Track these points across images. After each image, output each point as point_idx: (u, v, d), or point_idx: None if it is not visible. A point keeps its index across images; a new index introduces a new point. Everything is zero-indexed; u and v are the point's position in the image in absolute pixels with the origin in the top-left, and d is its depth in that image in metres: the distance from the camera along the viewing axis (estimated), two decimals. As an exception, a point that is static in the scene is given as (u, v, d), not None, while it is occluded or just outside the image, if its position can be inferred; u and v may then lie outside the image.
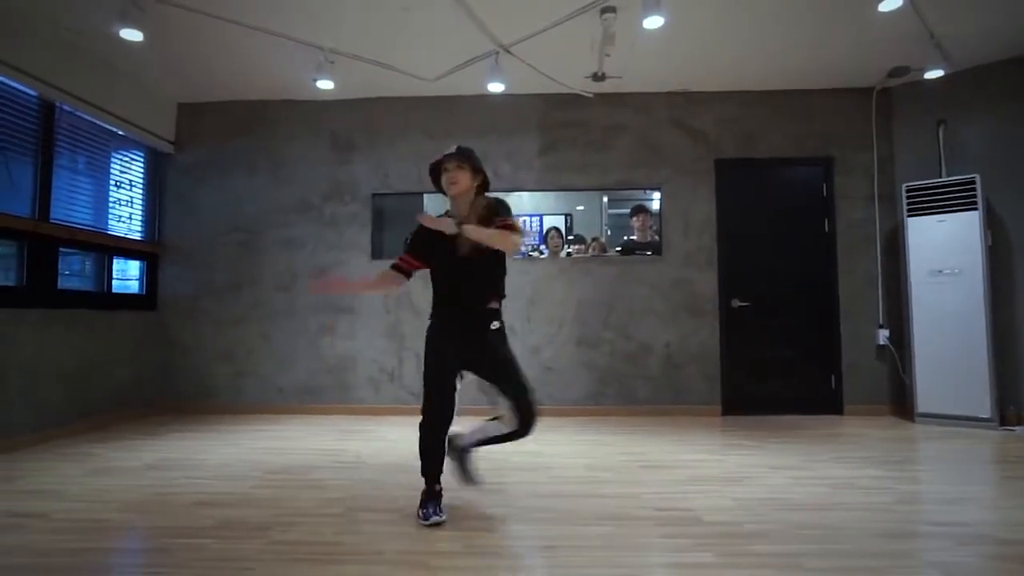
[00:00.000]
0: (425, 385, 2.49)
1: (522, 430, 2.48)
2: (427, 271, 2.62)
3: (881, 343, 4.86)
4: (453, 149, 2.49)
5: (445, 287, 2.55)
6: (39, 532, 2.31)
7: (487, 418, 2.64)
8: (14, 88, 3.83)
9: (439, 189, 2.56)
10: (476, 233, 2.35)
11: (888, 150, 4.99)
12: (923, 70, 4.33)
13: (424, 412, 2.47)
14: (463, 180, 2.47)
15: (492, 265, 2.51)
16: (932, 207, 4.48)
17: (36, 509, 2.58)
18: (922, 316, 4.50)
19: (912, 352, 4.55)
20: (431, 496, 2.45)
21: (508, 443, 2.55)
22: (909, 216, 4.58)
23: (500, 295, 2.55)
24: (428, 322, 2.58)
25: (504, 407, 2.51)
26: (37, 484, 2.98)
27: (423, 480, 2.49)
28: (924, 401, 4.46)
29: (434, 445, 2.47)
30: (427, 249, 2.54)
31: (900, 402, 4.79)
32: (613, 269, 5.06)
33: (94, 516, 2.50)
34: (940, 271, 4.43)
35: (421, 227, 2.51)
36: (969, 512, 2.50)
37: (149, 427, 4.47)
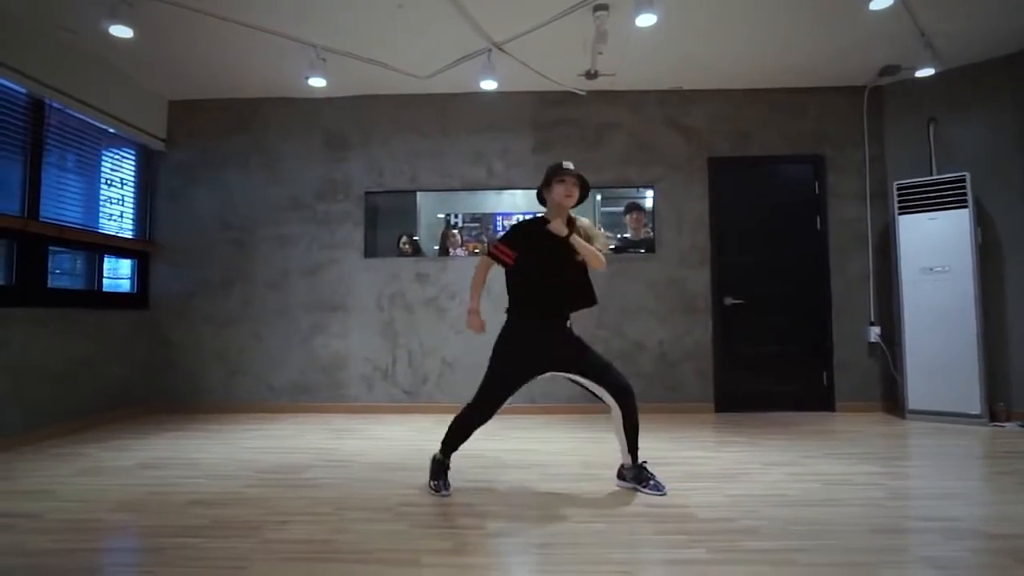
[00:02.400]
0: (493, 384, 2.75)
1: (626, 400, 2.79)
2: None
3: (872, 340, 4.89)
4: (571, 166, 2.75)
5: (544, 290, 2.75)
6: (31, 532, 2.30)
7: (613, 425, 2.84)
8: (2, 85, 3.79)
9: (543, 194, 2.83)
10: (582, 247, 2.69)
11: (879, 148, 5.01)
12: (914, 68, 4.35)
13: (479, 405, 2.75)
14: (575, 195, 2.75)
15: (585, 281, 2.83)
16: (923, 205, 4.51)
17: (28, 509, 2.56)
18: (913, 313, 4.53)
19: (903, 349, 4.58)
20: (445, 470, 2.81)
21: (634, 423, 2.80)
22: (900, 214, 4.61)
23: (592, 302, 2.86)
24: (512, 322, 2.78)
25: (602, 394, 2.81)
26: (28, 484, 2.96)
27: (441, 453, 2.82)
28: (915, 398, 4.49)
29: (470, 433, 2.80)
30: (527, 248, 2.74)
31: (891, 399, 4.83)
32: (607, 267, 5.06)
33: (86, 516, 2.49)
34: (931, 269, 4.46)
35: (521, 227, 2.82)
36: (959, 507, 2.52)
37: (141, 426, 4.44)
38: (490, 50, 4.23)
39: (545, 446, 3.71)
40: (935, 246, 4.45)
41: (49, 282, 4.21)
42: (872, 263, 4.96)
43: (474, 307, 2.81)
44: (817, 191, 5.06)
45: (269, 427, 4.41)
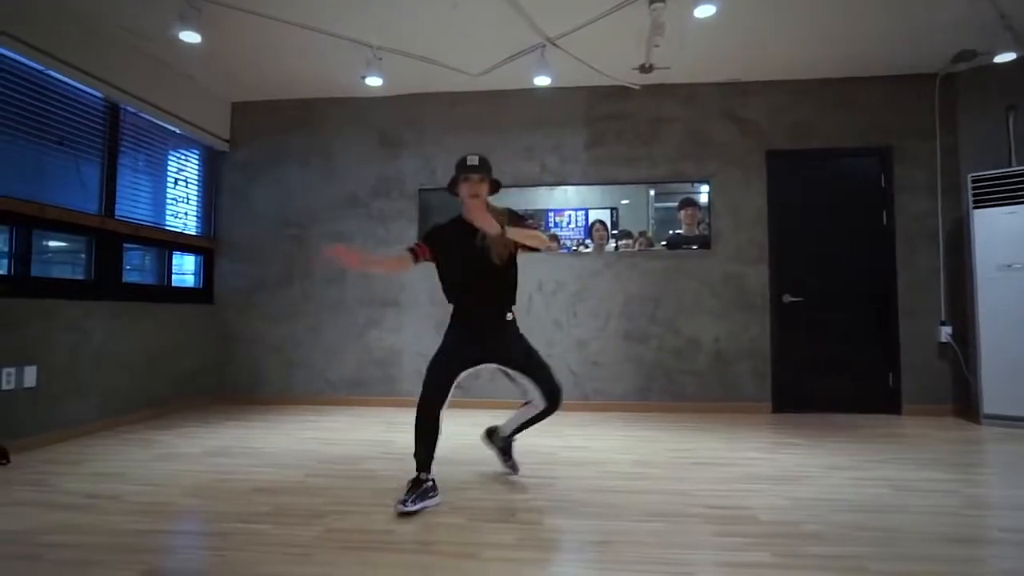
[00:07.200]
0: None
1: (552, 403, 2.70)
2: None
3: (943, 340, 4.66)
4: (476, 161, 2.61)
5: (467, 290, 2.68)
6: (112, 513, 2.43)
7: (521, 409, 2.83)
8: (82, 91, 4.01)
9: (453, 192, 2.69)
10: (518, 234, 2.54)
11: (952, 139, 4.76)
12: (992, 54, 4.11)
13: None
14: (483, 192, 2.62)
15: (512, 274, 2.72)
16: (1000, 198, 4.26)
17: (108, 491, 2.71)
18: (989, 312, 4.29)
19: (978, 350, 4.34)
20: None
21: (540, 419, 2.77)
22: (975, 208, 4.36)
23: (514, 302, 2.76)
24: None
25: (532, 392, 2.71)
26: (108, 467, 3.14)
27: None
28: (990, 402, 4.25)
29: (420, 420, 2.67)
30: (444, 247, 2.68)
31: (963, 402, 4.59)
32: (660, 263, 5.00)
33: (159, 499, 2.62)
34: (1009, 265, 4.21)
35: (443, 226, 2.73)
36: (1043, 518, 2.38)
37: (207, 415, 4.64)
38: (543, 46, 4.21)
39: (598, 443, 3.69)
40: (1013, 241, 4.20)
41: (124, 277, 4.43)
42: (943, 259, 4.72)
43: (359, 258, 2.73)
44: (883, 184, 4.84)
45: (325, 419, 4.54)
